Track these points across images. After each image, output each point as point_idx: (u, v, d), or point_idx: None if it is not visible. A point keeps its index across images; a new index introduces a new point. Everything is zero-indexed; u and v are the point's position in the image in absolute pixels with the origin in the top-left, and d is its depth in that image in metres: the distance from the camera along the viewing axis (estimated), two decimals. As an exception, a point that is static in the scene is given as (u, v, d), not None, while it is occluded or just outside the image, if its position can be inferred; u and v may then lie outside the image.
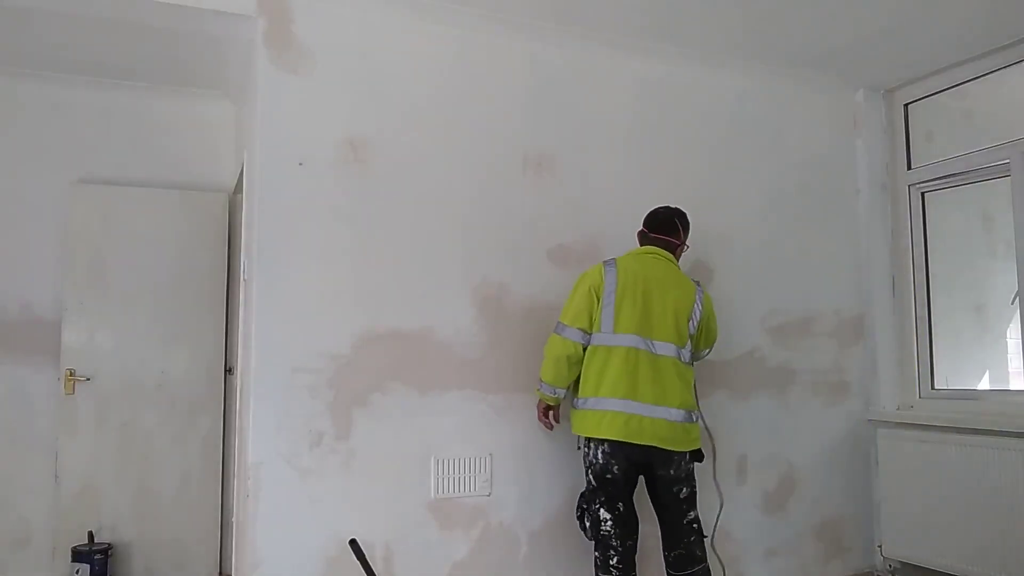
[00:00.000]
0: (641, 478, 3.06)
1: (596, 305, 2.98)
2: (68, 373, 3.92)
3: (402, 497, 3.07)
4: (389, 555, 3.02)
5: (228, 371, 4.14)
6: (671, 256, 3.16)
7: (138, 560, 3.94)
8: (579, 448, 3.12)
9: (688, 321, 3.04)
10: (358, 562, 2.55)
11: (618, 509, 2.94)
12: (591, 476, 2.98)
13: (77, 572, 3.70)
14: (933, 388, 4.00)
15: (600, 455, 2.93)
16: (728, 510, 3.68)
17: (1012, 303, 3.77)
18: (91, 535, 3.81)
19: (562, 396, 3.09)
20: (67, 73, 3.97)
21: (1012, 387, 4.10)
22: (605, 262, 3.08)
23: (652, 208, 3.28)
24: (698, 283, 3.15)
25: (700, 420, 3.10)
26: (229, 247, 4.18)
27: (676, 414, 2.94)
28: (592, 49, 3.56)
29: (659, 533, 3.08)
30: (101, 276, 4.01)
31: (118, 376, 4.00)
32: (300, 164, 3.02)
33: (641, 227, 3.25)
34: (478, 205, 3.31)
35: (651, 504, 3.08)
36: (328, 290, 3.02)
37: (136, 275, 4.05)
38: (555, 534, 3.31)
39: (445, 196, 3.24)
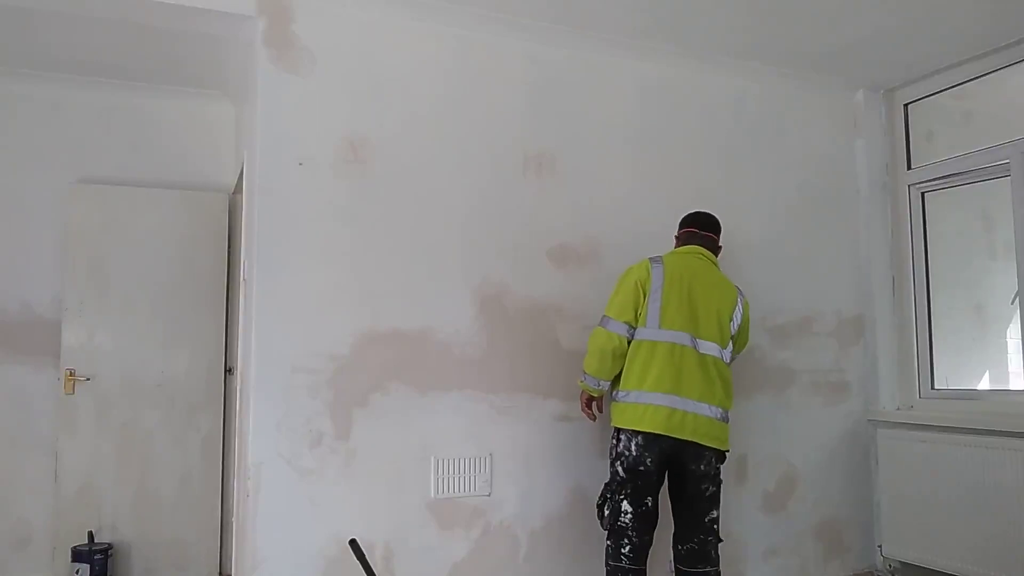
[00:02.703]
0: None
1: (643, 300, 2.99)
2: (68, 373, 3.92)
3: (402, 497, 3.07)
4: (389, 555, 3.02)
5: (228, 371, 4.14)
6: (713, 257, 3.20)
7: (138, 560, 3.94)
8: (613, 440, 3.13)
9: (730, 322, 3.07)
10: (358, 562, 2.56)
11: (645, 504, 2.93)
12: (620, 467, 2.97)
13: (77, 572, 3.70)
14: (933, 388, 4.00)
15: (634, 447, 2.93)
16: (728, 510, 3.68)
17: (1012, 303, 3.77)
18: (91, 535, 3.81)
19: (606, 388, 3.10)
20: (67, 73, 3.97)
21: (1012, 387, 4.10)
22: (651, 258, 3.09)
23: (690, 212, 3.30)
24: (739, 290, 3.17)
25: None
26: (229, 247, 4.18)
27: (716, 411, 2.96)
28: (592, 49, 3.56)
29: (670, 534, 3.06)
30: (101, 276, 4.01)
31: (118, 376, 4.00)
32: (300, 164, 3.02)
33: (681, 229, 3.28)
34: (478, 205, 3.31)
35: (669, 501, 3.06)
36: (328, 290, 3.02)
37: (136, 275, 4.05)
38: (555, 534, 3.31)
39: (445, 196, 3.24)
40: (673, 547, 3.05)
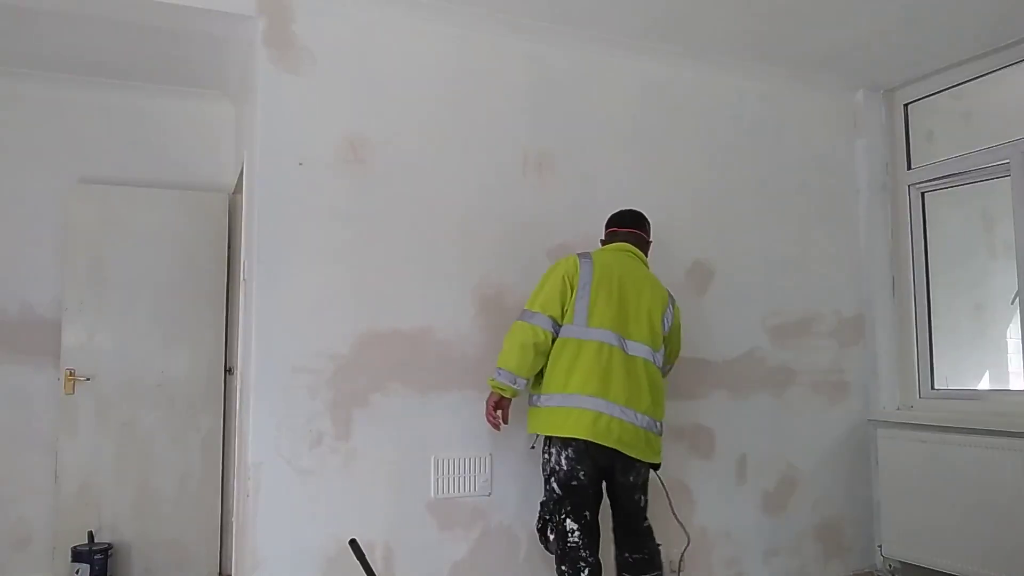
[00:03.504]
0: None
1: (569, 295, 2.84)
2: (68, 373, 3.92)
3: (402, 497, 3.07)
4: (389, 555, 3.02)
5: (228, 371, 4.14)
6: (643, 256, 3.09)
7: (138, 560, 3.94)
8: (532, 448, 3.06)
9: (661, 323, 2.95)
10: (358, 562, 2.56)
11: (585, 517, 2.79)
12: (555, 484, 2.82)
13: (77, 572, 3.70)
14: (933, 388, 4.00)
15: (565, 461, 2.78)
16: (728, 510, 3.68)
17: (1012, 303, 3.77)
18: (91, 535, 3.80)
19: (521, 388, 2.89)
20: (67, 73, 3.97)
21: (1012, 387, 4.09)
22: (580, 254, 2.96)
23: (618, 210, 3.21)
24: (670, 292, 3.07)
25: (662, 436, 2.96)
26: (229, 247, 4.17)
27: (642, 420, 2.80)
28: (592, 49, 3.56)
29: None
30: (101, 276, 4.01)
31: (118, 376, 4.00)
32: (300, 164, 3.02)
33: (608, 228, 3.17)
34: (478, 205, 3.31)
35: (610, 507, 2.97)
36: (328, 290, 3.02)
37: (136, 275, 4.05)
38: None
39: (445, 196, 3.24)
40: (618, 555, 2.94)
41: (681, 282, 3.68)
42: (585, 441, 2.75)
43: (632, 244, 3.07)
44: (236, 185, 4.07)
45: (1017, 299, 3.65)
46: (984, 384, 4.21)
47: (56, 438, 3.90)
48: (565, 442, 2.78)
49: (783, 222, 3.97)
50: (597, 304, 2.84)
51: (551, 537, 2.83)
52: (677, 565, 3.39)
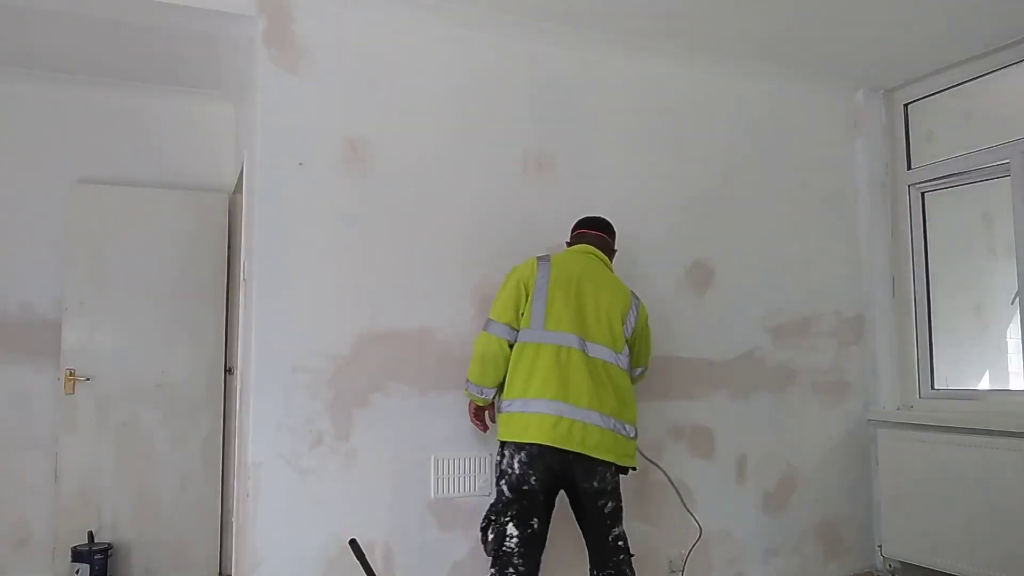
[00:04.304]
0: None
1: (525, 300, 2.80)
2: (68, 373, 3.92)
3: (402, 497, 3.07)
4: (389, 555, 3.02)
5: (228, 371, 4.14)
6: (606, 258, 3.03)
7: (138, 560, 3.94)
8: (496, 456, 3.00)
9: (623, 325, 2.85)
10: (358, 562, 2.55)
11: (531, 526, 2.70)
12: (505, 487, 2.75)
13: (77, 572, 3.70)
14: (933, 388, 4.00)
15: (517, 464, 2.71)
16: (728, 510, 3.68)
17: (1012, 303, 3.77)
18: (91, 535, 3.81)
19: (490, 397, 2.91)
20: (67, 73, 3.97)
21: (1012, 387, 4.10)
22: (539, 257, 2.92)
23: (584, 216, 3.17)
24: (634, 293, 2.99)
25: (637, 439, 2.87)
26: (229, 247, 4.17)
27: (608, 421, 2.71)
28: (593, 49, 3.56)
29: (585, 553, 2.87)
30: (101, 276, 4.01)
31: (118, 376, 4.00)
32: (300, 164, 3.02)
33: (574, 231, 3.13)
34: (478, 205, 3.31)
35: (576, 521, 2.88)
36: (328, 290, 3.02)
37: (136, 275, 4.05)
38: (554, 534, 3.30)
39: (445, 196, 3.24)
40: (589, 572, 2.83)
41: (681, 282, 3.68)
42: (539, 445, 2.67)
43: (597, 247, 3.02)
44: (236, 185, 4.07)
45: (1017, 299, 3.65)
46: (984, 384, 4.21)
47: (56, 438, 3.90)
48: (519, 445, 2.72)
49: (783, 222, 3.97)
50: (554, 306, 2.78)
51: (490, 538, 2.74)
52: (683, 563, 3.40)
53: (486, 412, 3.02)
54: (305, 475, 2.93)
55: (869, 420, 4.03)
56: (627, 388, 2.85)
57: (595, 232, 3.07)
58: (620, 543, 2.79)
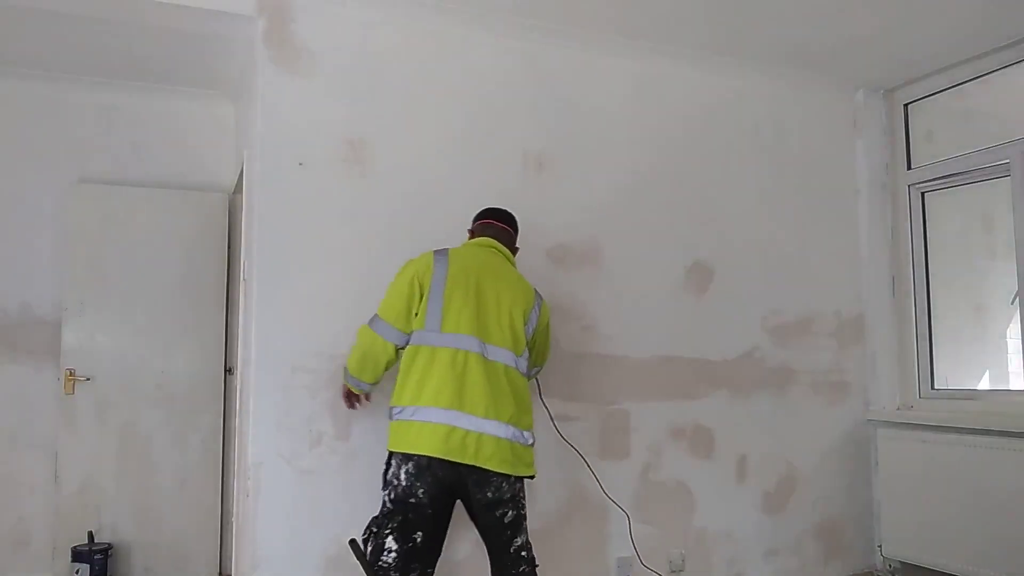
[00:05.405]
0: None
1: (419, 298, 2.60)
2: (68, 373, 3.92)
3: (402, 497, 3.06)
4: (389, 555, 3.01)
5: (228, 371, 4.14)
6: (509, 253, 2.86)
7: (138, 560, 3.94)
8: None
9: (524, 325, 2.67)
10: (358, 562, 2.55)
11: (413, 540, 2.53)
12: (387, 499, 2.57)
13: (77, 572, 3.70)
14: (933, 388, 4.00)
15: (404, 476, 2.52)
16: (728, 510, 3.68)
17: (1012, 303, 3.77)
18: (91, 535, 3.80)
19: (368, 390, 2.82)
20: (67, 73, 3.97)
21: (1012, 387, 4.10)
22: (436, 251, 2.71)
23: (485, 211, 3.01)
24: (537, 291, 2.81)
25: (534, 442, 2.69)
26: (229, 247, 4.17)
27: (507, 430, 2.53)
28: (592, 48, 3.56)
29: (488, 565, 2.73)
30: (101, 276, 4.00)
31: (118, 376, 4.00)
32: (300, 164, 3.02)
33: (478, 220, 2.93)
34: (478, 205, 3.29)
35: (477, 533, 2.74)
36: (328, 290, 3.02)
37: (136, 275, 4.04)
38: (553, 534, 3.30)
39: (445, 196, 3.24)
40: None
41: (681, 282, 3.68)
42: (428, 457, 2.50)
43: (501, 241, 2.85)
44: (236, 185, 4.07)
45: (1017, 299, 3.65)
46: (984, 384, 4.21)
47: (56, 438, 3.90)
48: (406, 456, 2.54)
49: (783, 222, 3.97)
50: (452, 306, 2.58)
51: (369, 549, 2.56)
52: (635, 552, 3.35)
53: (358, 396, 2.89)
54: (305, 475, 2.93)
55: (869, 420, 4.03)
56: (526, 394, 2.67)
57: (500, 224, 2.88)
58: (523, 553, 2.62)
